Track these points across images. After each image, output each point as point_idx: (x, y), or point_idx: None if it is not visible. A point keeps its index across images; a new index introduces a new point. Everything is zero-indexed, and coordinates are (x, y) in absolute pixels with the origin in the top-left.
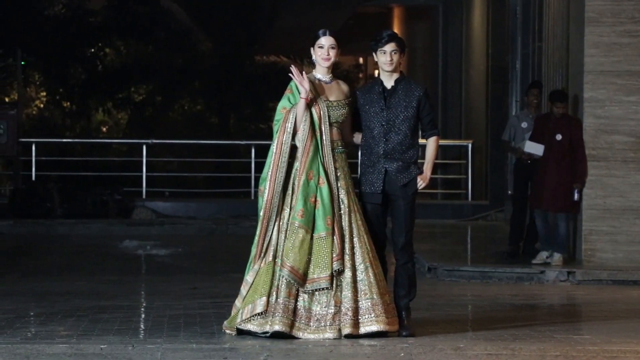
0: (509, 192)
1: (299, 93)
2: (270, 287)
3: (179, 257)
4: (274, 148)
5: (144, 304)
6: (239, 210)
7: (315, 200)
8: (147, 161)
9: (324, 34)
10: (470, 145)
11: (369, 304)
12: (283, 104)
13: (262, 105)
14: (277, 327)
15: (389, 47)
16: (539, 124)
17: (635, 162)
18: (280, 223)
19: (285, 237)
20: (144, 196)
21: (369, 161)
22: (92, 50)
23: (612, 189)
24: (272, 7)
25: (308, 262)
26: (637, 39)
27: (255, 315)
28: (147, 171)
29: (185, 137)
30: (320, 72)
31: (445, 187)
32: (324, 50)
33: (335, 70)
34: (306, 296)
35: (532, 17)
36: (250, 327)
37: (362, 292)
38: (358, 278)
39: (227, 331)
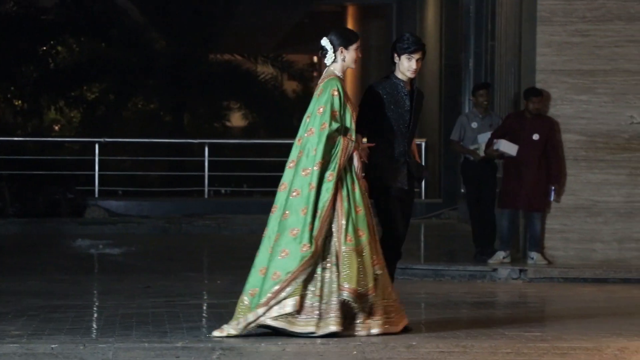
0: (462, 190)
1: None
2: (304, 288)
3: (132, 256)
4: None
5: (97, 303)
6: (192, 209)
7: (357, 208)
8: (100, 160)
9: (359, 37)
10: (423, 144)
11: (389, 304)
12: (335, 106)
13: (216, 104)
14: (332, 328)
15: (417, 55)
16: (510, 122)
17: (586, 160)
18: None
19: (333, 254)
20: (96, 195)
21: (392, 158)
22: (44, 48)
23: (564, 187)
24: (226, 6)
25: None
26: (588, 38)
27: (284, 315)
28: (100, 170)
29: (138, 135)
30: (340, 71)
31: None
32: (358, 52)
33: (290, 69)
34: None
35: (485, 16)
36: (280, 325)
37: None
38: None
39: (225, 333)
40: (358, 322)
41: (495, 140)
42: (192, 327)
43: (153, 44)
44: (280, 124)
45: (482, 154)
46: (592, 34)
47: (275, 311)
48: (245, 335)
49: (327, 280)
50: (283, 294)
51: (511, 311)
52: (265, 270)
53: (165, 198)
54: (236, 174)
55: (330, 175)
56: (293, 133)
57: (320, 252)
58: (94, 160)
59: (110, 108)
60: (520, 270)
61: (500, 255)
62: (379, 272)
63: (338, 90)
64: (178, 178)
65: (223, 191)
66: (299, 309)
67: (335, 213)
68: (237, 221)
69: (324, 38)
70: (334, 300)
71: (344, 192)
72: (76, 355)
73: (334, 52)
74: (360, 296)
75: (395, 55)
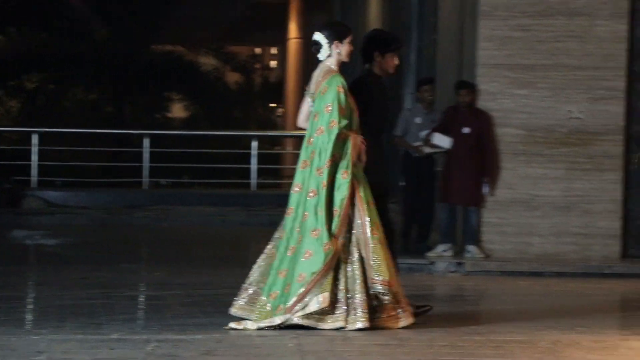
0: (401, 184)
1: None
2: (330, 285)
3: (70, 247)
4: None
5: (32, 295)
6: (131, 201)
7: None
8: (39, 150)
9: (351, 30)
10: None
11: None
12: (342, 102)
13: (158, 95)
14: (360, 325)
15: (398, 52)
16: (447, 116)
17: (524, 154)
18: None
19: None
20: (34, 185)
21: (382, 154)
22: None
23: (502, 181)
24: None
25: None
26: (529, 33)
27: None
28: (39, 160)
29: (78, 126)
30: (336, 65)
31: None
32: (351, 45)
33: (232, 61)
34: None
35: (427, 9)
36: (309, 323)
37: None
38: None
39: (242, 327)
40: (384, 315)
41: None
42: (128, 319)
43: (94, 34)
44: (222, 116)
45: (426, 150)
46: (533, 29)
47: (301, 311)
48: (182, 325)
49: (350, 275)
50: (309, 295)
51: (448, 304)
52: (286, 273)
53: (104, 189)
54: (177, 166)
55: (345, 173)
56: (234, 125)
57: (342, 249)
58: (33, 150)
59: (50, 98)
60: (458, 264)
61: (440, 248)
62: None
63: (343, 87)
64: (118, 169)
65: (163, 182)
66: (328, 305)
67: (356, 209)
68: (177, 213)
69: (317, 33)
70: (359, 296)
71: (361, 189)
72: (9, 347)
73: (329, 46)
74: (390, 284)
75: (377, 53)
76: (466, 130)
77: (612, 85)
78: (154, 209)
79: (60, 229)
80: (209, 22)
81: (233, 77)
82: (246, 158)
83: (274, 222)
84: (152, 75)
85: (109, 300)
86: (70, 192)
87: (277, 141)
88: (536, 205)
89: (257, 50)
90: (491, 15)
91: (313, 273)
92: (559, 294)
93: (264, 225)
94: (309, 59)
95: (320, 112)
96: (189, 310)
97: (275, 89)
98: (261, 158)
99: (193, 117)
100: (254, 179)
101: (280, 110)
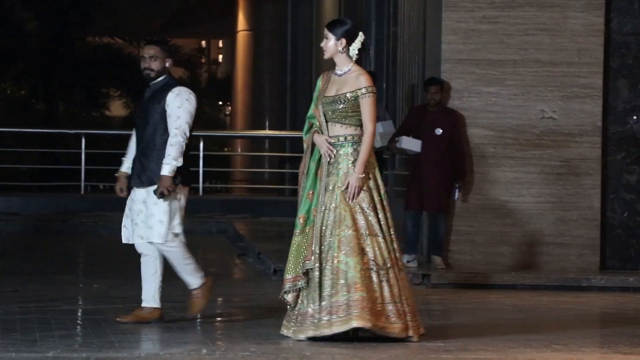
0: None
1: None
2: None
3: None
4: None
5: None
6: (67, 206)
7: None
8: None
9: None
10: None
11: (345, 300)
12: (313, 104)
13: (94, 91)
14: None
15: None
16: (413, 116)
17: (494, 157)
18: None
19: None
20: None
21: None
22: None
23: (471, 186)
24: None
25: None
26: (496, 26)
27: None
28: None
29: (8, 124)
30: (336, 65)
31: (294, 182)
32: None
33: (176, 55)
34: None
35: (386, 0)
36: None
37: (340, 290)
38: (326, 277)
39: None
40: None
41: (396, 138)
42: (65, 336)
43: (24, 24)
44: None
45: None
46: (501, 21)
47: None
48: (123, 342)
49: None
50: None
51: None
52: None
53: (37, 193)
54: (116, 168)
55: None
56: None
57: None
58: None
59: None
60: (424, 275)
61: (405, 259)
62: (309, 267)
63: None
64: (52, 172)
65: (101, 187)
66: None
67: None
68: (117, 220)
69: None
70: (326, 302)
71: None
72: None
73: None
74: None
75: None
76: (439, 131)
77: (588, 82)
78: (91, 215)
79: None
80: (150, 12)
81: (177, 72)
82: (192, 160)
83: (222, 230)
84: (88, 70)
85: (43, 315)
86: None
87: (225, 142)
88: (507, 212)
89: (203, 43)
90: (456, 7)
91: None
92: (532, 308)
93: (211, 233)
94: (259, 52)
95: None
96: (131, 326)
97: (223, 86)
98: (208, 160)
99: (133, 115)
100: (200, 183)
101: (228, 108)
